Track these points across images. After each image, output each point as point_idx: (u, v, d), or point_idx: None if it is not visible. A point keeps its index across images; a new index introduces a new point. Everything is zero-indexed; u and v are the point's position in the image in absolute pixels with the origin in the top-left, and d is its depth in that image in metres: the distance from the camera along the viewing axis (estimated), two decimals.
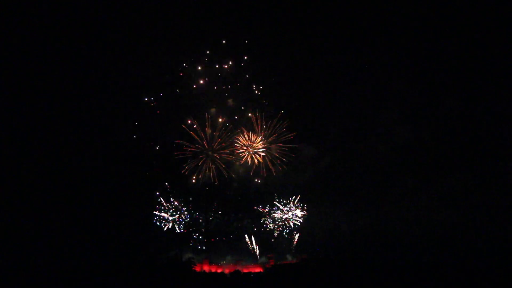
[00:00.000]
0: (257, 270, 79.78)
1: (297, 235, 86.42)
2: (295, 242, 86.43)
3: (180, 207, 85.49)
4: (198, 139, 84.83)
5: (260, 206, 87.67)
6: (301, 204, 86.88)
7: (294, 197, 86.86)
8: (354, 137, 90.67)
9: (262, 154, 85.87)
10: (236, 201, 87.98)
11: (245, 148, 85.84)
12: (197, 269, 78.92)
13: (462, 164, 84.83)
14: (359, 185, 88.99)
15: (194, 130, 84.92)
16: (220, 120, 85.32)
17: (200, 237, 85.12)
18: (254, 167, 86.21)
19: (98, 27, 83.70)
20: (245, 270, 78.52)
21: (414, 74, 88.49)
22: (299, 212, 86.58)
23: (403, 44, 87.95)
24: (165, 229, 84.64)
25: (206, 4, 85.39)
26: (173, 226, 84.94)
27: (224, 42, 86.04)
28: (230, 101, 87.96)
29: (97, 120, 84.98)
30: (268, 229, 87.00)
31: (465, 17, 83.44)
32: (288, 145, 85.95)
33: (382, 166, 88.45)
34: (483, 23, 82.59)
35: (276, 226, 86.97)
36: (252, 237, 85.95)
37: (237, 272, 76.38)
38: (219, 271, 78.87)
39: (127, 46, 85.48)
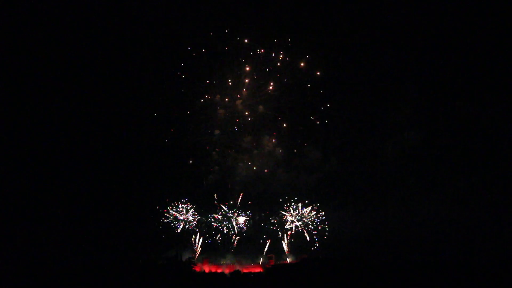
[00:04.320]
0: (257, 270, 79.58)
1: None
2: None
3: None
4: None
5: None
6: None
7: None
8: (360, 140, 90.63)
9: None
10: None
11: None
12: (197, 269, 78.91)
13: (468, 167, 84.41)
14: (364, 187, 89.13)
15: None
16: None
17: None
18: None
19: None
20: (245, 270, 78.28)
21: (422, 78, 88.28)
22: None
23: (412, 47, 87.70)
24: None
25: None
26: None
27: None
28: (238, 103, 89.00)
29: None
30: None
31: (475, 23, 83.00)
32: None
33: (388, 169, 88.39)
34: (493, 29, 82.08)
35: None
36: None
37: (237, 272, 76.10)
38: (219, 271, 78.63)
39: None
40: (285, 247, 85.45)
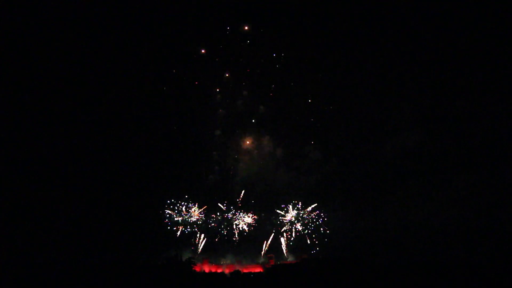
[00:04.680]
0: (257, 270, 79.52)
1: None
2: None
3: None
4: None
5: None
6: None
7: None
8: (360, 141, 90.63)
9: None
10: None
11: None
12: (197, 269, 78.81)
13: (469, 168, 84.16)
14: (364, 188, 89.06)
15: None
16: None
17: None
18: None
19: None
20: (245, 270, 78.25)
21: (422, 78, 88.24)
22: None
23: (412, 47, 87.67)
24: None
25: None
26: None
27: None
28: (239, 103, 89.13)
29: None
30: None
31: (477, 23, 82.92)
32: None
33: (388, 169, 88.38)
34: (493, 29, 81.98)
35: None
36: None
37: (237, 272, 76.05)
38: (219, 271, 78.64)
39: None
40: (284, 247, 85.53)
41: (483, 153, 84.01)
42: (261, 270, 79.18)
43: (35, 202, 77.49)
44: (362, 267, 71.37)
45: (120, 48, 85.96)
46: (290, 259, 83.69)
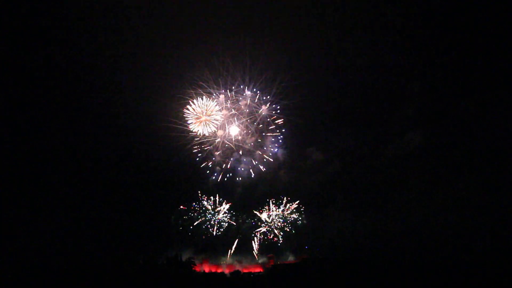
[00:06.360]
0: (257, 270, 79.30)
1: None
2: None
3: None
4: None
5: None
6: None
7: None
8: (363, 142, 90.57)
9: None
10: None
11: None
12: (197, 269, 78.72)
13: (471, 169, 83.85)
14: (366, 189, 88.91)
15: None
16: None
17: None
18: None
19: None
20: (245, 270, 78.10)
21: (425, 80, 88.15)
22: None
23: (414, 48, 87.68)
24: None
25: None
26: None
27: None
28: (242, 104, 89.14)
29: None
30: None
31: (477, 24, 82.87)
32: None
33: (391, 171, 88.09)
34: (495, 30, 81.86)
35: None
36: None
37: (237, 272, 75.93)
38: (219, 271, 78.50)
39: None
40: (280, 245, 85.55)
41: (484, 155, 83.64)
42: (261, 270, 78.99)
43: (40, 202, 78.27)
44: (362, 267, 71.18)
45: (125, 52, 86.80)
46: (290, 259, 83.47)
